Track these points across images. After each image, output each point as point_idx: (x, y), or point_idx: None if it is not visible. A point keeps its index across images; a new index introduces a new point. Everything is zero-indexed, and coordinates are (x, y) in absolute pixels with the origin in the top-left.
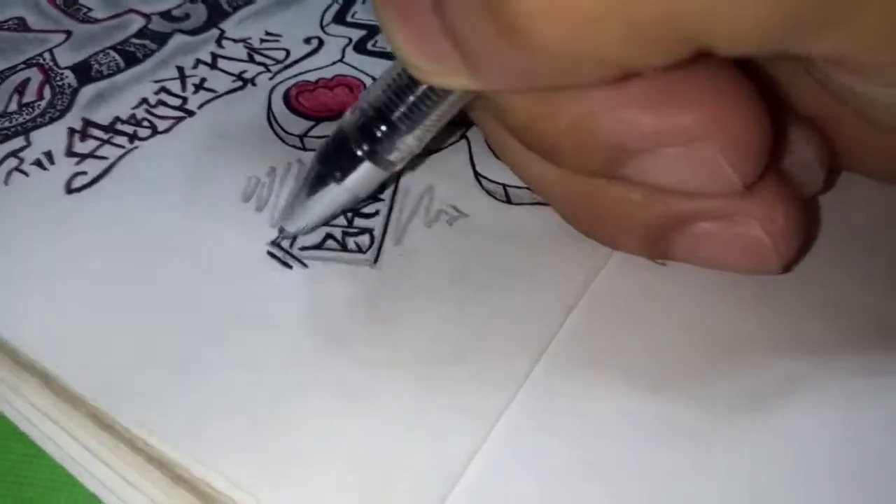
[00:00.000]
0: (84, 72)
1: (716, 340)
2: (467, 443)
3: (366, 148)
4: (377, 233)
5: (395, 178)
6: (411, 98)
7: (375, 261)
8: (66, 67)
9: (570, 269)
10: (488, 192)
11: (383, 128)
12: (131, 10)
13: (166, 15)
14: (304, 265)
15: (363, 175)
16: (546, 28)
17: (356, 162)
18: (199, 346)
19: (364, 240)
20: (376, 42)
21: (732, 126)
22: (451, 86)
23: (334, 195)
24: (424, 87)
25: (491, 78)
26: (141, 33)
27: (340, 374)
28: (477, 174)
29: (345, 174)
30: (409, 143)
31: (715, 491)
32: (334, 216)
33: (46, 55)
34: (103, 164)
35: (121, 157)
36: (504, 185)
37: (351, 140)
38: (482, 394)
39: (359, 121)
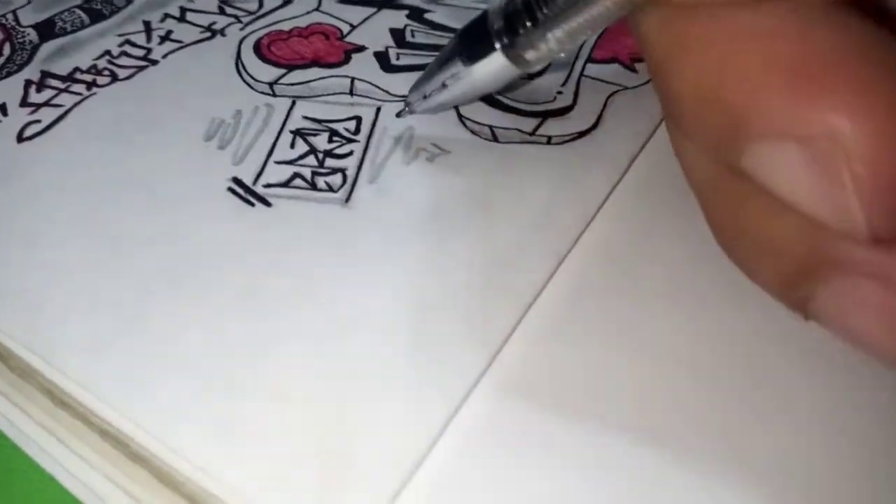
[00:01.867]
0: (47, 29)
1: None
2: (440, 415)
3: (504, 40)
4: (350, 172)
5: (373, 120)
6: None
7: (347, 199)
8: (28, 26)
9: (561, 213)
10: (473, 132)
11: (528, 22)
12: None
13: None
14: (268, 203)
15: (492, 66)
16: None
17: (489, 50)
18: (149, 293)
19: (335, 179)
20: None
21: (878, 131)
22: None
23: (459, 76)
24: None
25: None
26: None
27: (305, 328)
28: (461, 116)
29: (474, 59)
30: (550, 43)
31: None
32: (456, 100)
33: (9, 16)
34: (58, 112)
35: (77, 104)
36: (490, 126)
37: (492, 26)
38: (459, 358)
39: (506, 8)
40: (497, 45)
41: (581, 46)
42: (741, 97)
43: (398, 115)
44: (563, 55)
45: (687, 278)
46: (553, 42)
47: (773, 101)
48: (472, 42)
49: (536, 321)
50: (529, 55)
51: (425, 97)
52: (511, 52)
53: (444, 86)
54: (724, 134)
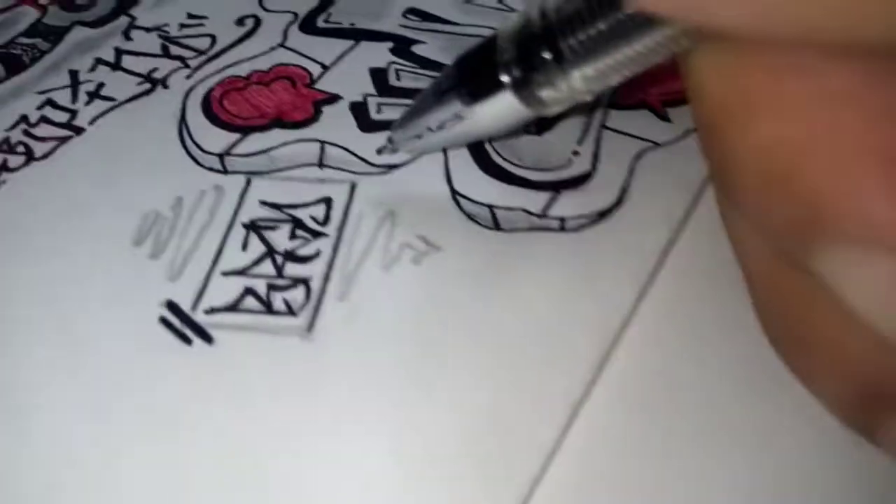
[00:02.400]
0: None
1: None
2: None
3: (515, 74)
4: (315, 284)
5: (346, 203)
6: (601, 22)
7: (310, 328)
8: None
9: (577, 339)
10: (469, 216)
11: (547, 53)
12: (23, 1)
13: (66, 3)
14: (208, 339)
15: (498, 107)
16: None
17: (495, 87)
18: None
19: (297, 295)
20: (329, 16)
21: None
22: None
23: (455, 117)
24: (624, 12)
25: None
26: (32, 30)
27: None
28: (455, 193)
29: (476, 97)
30: (574, 82)
31: None
32: (448, 144)
33: None
34: None
35: None
36: (491, 207)
37: (500, 56)
38: None
39: (519, 33)
40: (505, 80)
41: None
42: (824, 184)
43: (378, 152)
44: (588, 98)
45: (737, 417)
46: (579, 81)
47: (866, 198)
48: (474, 74)
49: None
50: (547, 95)
51: (411, 136)
52: (523, 89)
53: (435, 123)
54: (795, 226)
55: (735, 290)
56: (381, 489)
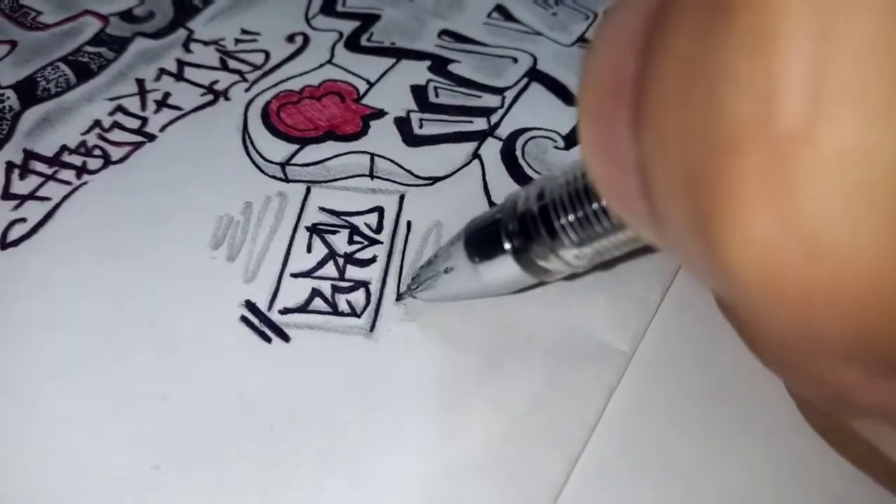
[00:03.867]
0: (28, 90)
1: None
2: None
3: (515, 243)
4: (374, 287)
5: (396, 212)
6: (589, 209)
7: (372, 328)
8: (7, 87)
9: (612, 331)
10: None
11: (542, 230)
12: (86, 12)
13: (126, 15)
14: (286, 338)
15: (501, 270)
16: (773, 305)
17: (498, 252)
18: (159, 471)
19: (358, 297)
20: (372, 35)
21: None
22: (638, 234)
23: (463, 273)
24: (605, 204)
25: (695, 275)
26: (96, 39)
27: (329, 500)
28: (493, 205)
29: (482, 259)
30: (569, 258)
31: None
32: (461, 296)
33: None
34: (46, 207)
35: (66, 197)
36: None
37: (504, 227)
38: None
39: (519, 210)
40: (507, 247)
41: None
42: (853, 386)
43: (397, 299)
44: (584, 269)
45: (754, 410)
46: (571, 257)
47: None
48: (482, 238)
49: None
50: (547, 265)
51: (428, 284)
52: (523, 257)
53: (447, 276)
54: (828, 404)
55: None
56: (438, 472)
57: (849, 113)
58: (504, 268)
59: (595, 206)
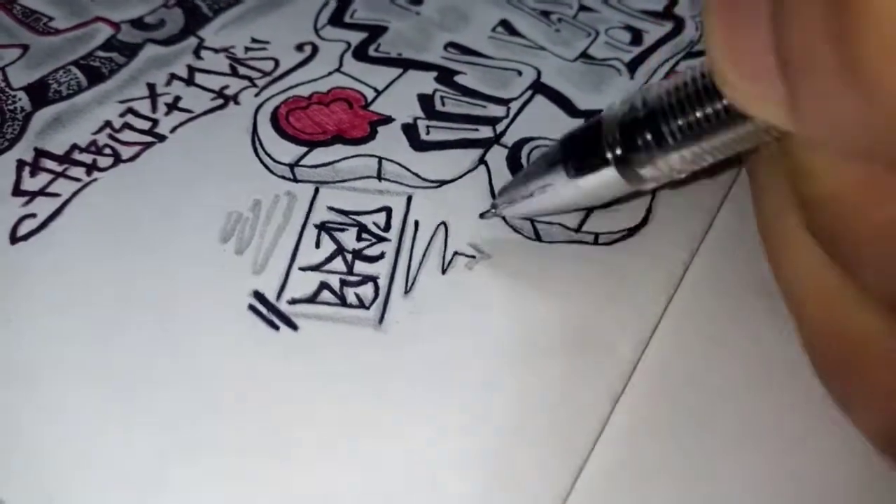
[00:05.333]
0: (40, 93)
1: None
2: None
3: (618, 152)
4: (382, 281)
5: (404, 212)
6: (699, 111)
7: (381, 320)
8: (19, 88)
9: (615, 340)
10: (513, 228)
11: (648, 135)
12: (98, 19)
13: (138, 23)
14: (294, 327)
15: (601, 181)
16: None
17: (599, 163)
18: (166, 458)
19: (367, 291)
20: (379, 46)
21: None
22: (759, 115)
23: (559, 188)
24: (722, 103)
25: (815, 124)
26: (108, 45)
27: (338, 490)
28: None
29: (581, 171)
30: (672, 162)
31: None
32: (551, 211)
33: None
34: (55, 203)
35: (76, 193)
36: (532, 221)
37: (605, 135)
38: None
39: (624, 116)
40: (609, 157)
41: None
42: None
43: (482, 216)
44: (682, 176)
45: (758, 418)
46: (676, 161)
47: None
48: (580, 150)
49: (594, 477)
50: (645, 172)
51: (515, 201)
52: (624, 166)
53: (540, 193)
54: None
55: (747, 298)
56: (445, 464)
57: None
58: (603, 178)
59: (708, 108)
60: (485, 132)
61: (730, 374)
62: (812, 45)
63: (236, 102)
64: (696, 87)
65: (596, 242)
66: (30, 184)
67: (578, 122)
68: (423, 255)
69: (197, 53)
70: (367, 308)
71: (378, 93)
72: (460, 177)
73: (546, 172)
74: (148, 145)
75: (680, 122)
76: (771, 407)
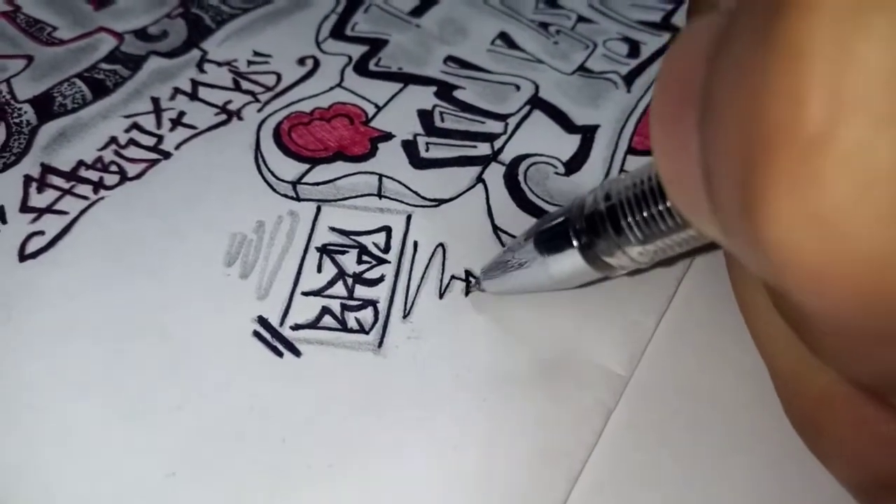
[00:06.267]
0: (45, 106)
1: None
2: None
3: (583, 240)
4: (382, 305)
5: (403, 232)
6: (655, 209)
7: (380, 344)
8: (24, 101)
9: (607, 358)
10: None
11: (609, 228)
12: (101, 29)
13: (141, 34)
14: (297, 353)
15: (569, 265)
16: (800, 283)
17: (566, 246)
18: (174, 478)
19: (367, 315)
20: (380, 60)
21: None
22: (700, 231)
23: (533, 266)
24: (671, 205)
25: (747, 263)
26: (112, 57)
27: None
28: (496, 228)
29: (550, 253)
30: (633, 255)
31: None
32: (528, 288)
33: (3, 87)
34: (63, 221)
35: (83, 212)
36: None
37: (572, 225)
38: None
39: (590, 207)
40: (575, 244)
41: (619, 135)
42: None
43: (466, 293)
44: (647, 265)
45: (752, 430)
46: (636, 253)
47: None
48: (552, 235)
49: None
50: (612, 261)
51: (496, 276)
52: (589, 252)
53: (516, 270)
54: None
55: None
56: (444, 482)
57: (859, 120)
58: (571, 262)
59: (660, 206)
60: (483, 149)
61: (723, 387)
62: (725, 178)
63: (239, 118)
64: (652, 185)
65: None
66: (37, 200)
67: (574, 139)
68: (422, 279)
69: (200, 66)
70: (367, 332)
71: (378, 108)
72: (458, 195)
73: (522, 252)
74: (153, 162)
75: (637, 218)
76: (764, 419)
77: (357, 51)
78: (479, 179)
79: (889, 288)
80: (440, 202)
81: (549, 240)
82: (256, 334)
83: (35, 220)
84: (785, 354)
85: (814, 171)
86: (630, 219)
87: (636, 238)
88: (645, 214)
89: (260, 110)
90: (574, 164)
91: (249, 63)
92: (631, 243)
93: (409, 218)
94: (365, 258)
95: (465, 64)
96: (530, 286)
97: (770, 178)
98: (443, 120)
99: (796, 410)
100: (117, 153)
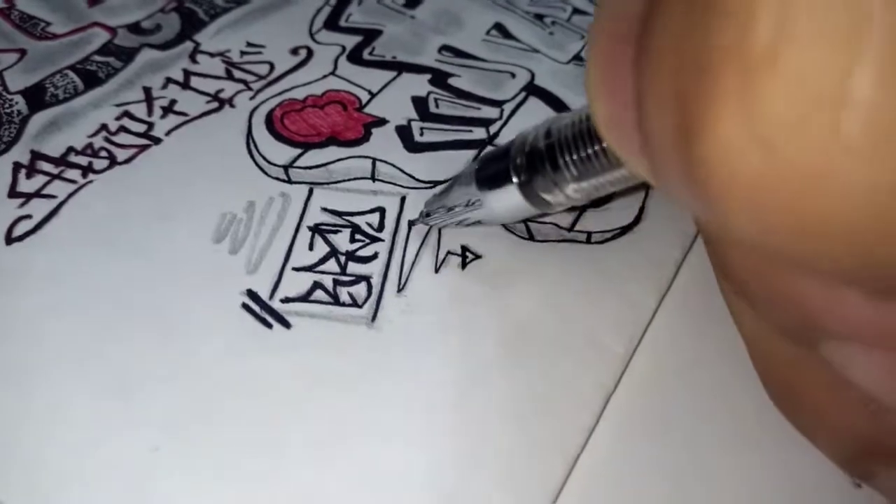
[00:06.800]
0: (36, 96)
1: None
2: None
3: (523, 177)
4: (375, 280)
5: (397, 213)
6: (590, 149)
7: (373, 318)
8: (16, 92)
9: (606, 337)
10: (506, 228)
11: (547, 165)
12: (95, 24)
13: (134, 27)
14: (286, 325)
15: (505, 199)
16: (735, 203)
17: (505, 182)
18: (160, 453)
19: (360, 290)
20: (374, 50)
21: None
22: (633, 171)
23: (475, 202)
24: (605, 145)
25: (676, 198)
26: (104, 49)
27: (330, 487)
28: None
29: (490, 187)
30: (569, 192)
31: None
32: (471, 222)
33: None
34: (51, 204)
35: (72, 195)
36: (525, 221)
37: (512, 160)
38: None
39: (528, 147)
40: (514, 180)
41: None
42: (819, 302)
43: (411, 223)
44: (583, 202)
45: (751, 415)
46: (572, 190)
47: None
48: (492, 170)
49: (586, 474)
50: (548, 197)
51: (440, 212)
52: (527, 188)
53: (461, 206)
54: (797, 327)
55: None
56: (439, 461)
57: (803, 44)
58: (510, 197)
59: (596, 146)
60: (478, 133)
61: (722, 371)
62: (662, 142)
63: (231, 105)
64: (590, 124)
65: (588, 241)
66: (26, 185)
67: None
68: (416, 255)
69: (193, 58)
70: (360, 306)
71: (372, 95)
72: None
73: (463, 186)
74: (143, 148)
75: (574, 157)
76: (764, 404)
77: (351, 41)
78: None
79: (820, 209)
80: (435, 184)
81: (490, 176)
82: (245, 307)
83: (23, 204)
84: (755, 319)
85: (758, 93)
86: (567, 157)
87: (572, 175)
88: (581, 154)
89: (252, 98)
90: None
91: (242, 53)
92: (567, 181)
93: (403, 199)
94: (358, 237)
95: (459, 53)
96: (472, 220)
97: (711, 100)
98: (437, 106)
99: (771, 379)
100: (108, 139)
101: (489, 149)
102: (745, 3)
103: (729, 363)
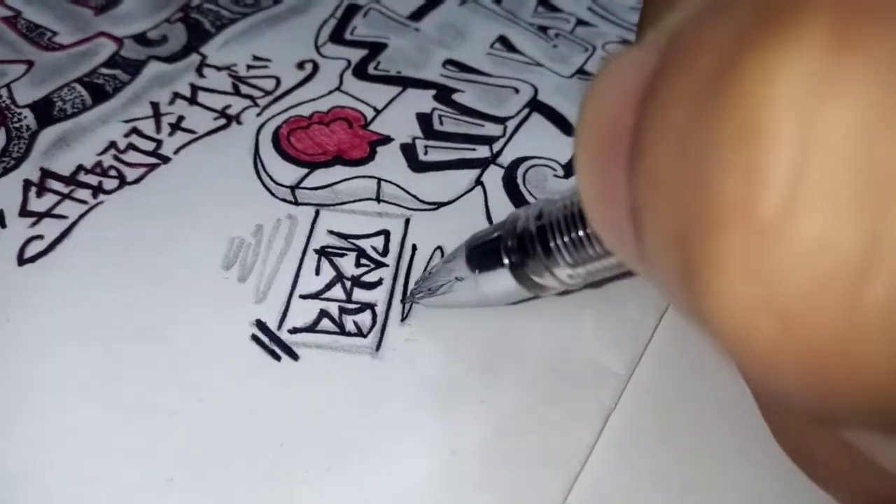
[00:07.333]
0: (45, 111)
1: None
2: None
3: (513, 259)
4: (380, 309)
5: (401, 236)
6: (582, 232)
7: (378, 347)
8: (24, 106)
9: (606, 357)
10: None
11: (539, 249)
12: (101, 34)
13: (141, 38)
14: (294, 356)
15: (499, 283)
16: (747, 359)
17: (497, 265)
18: (172, 485)
19: (365, 319)
20: (378, 64)
21: None
22: (627, 265)
23: (465, 283)
24: (587, 230)
25: (682, 315)
26: (111, 61)
27: None
28: None
29: (482, 271)
30: (562, 277)
31: None
32: (461, 304)
33: (3, 91)
34: (62, 225)
35: (83, 216)
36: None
37: (503, 243)
38: None
39: (519, 229)
40: (506, 262)
41: None
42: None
43: (402, 302)
44: (579, 286)
45: (751, 430)
46: (565, 275)
47: None
48: (484, 252)
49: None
50: (541, 281)
51: (430, 292)
52: (519, 272)
53: (451, 285)
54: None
55: None
56: (441, 488)
57: (819, 212)
58: (501, 281)
59: (589, 230)
60: (482, 152)
61: (722, 387)
62: (660, 244)
63: (238, 122)
64: (581, 208)
65: None
66: (36, 204)
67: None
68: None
69: (199, 71)
70: (365, 336)
71: (377, 112)
72: (457, 198)
73: (454, 268)
74: (152, 167)
75: (566, 241)
76: (763, 421)
77: (356, 55)
78: (478, 182)
79: (839, 376)
80: (439, 205)
81: (481, 256)
82: (254, 338)
83: (34, 224)
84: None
85: (771, 259)
86: (559, 241)
87: (565, 261)
88: (573, 237)
89: (259, 114)
90: (573, 167)
91: (249, 67)
92: (560, 265)
93: (407, 221)
94: (363, 261)
95: (464, 67)
96: (461, 303)
97: (719, 255)
98: (441, 123)
99: (784, 437)
100: (116, 158)
101: (478, 230)
102: (750, 162)
103: (728, 381)
